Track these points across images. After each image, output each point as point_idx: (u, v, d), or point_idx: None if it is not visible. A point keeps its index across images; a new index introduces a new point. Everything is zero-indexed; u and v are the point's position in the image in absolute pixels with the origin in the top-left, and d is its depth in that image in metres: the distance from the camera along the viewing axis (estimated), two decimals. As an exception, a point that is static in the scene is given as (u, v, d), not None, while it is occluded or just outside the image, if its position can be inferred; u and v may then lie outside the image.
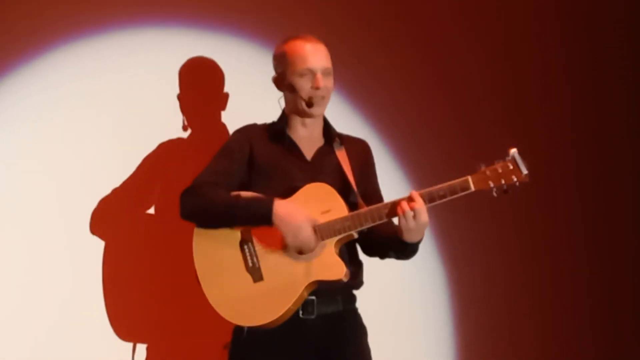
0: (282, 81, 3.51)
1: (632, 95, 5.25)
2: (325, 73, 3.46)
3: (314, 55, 3.46)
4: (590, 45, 5.21)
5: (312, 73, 3.45)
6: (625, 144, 5.26)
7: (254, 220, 3.35)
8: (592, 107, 5.22)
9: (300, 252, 3.32)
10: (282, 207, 3.32)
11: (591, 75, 5.21)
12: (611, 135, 5.25)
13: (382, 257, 3.54)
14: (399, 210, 3.30)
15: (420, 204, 3.29)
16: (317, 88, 3.45)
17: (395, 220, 3.37)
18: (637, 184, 5.26)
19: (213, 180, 3.42)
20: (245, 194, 3.39)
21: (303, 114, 3.50)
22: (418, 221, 3.30)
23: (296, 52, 3.46)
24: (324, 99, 3.48)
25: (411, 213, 3.29)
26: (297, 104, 3.49)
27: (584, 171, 5.21)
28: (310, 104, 3.46)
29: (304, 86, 3.45)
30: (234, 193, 3.39)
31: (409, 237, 3.34)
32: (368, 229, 3.37)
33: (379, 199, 3.53)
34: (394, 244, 3.41)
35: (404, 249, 3.42)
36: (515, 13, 5.09)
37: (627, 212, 5.27)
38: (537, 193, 4.88)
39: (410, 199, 3.31)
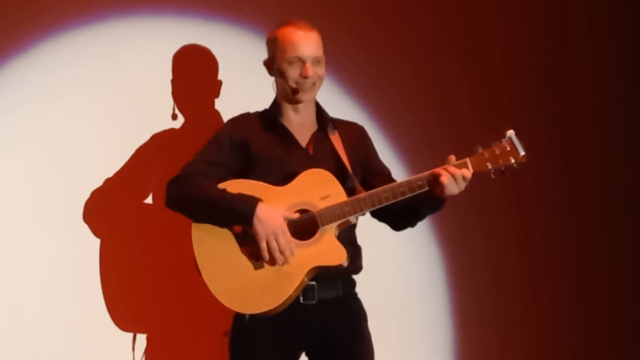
0: (272, 66, 3.51)
1: (610, 91, 5.27)
2: (315, 61, 3.45)
3: (305, 43, 3.44)
4: (566, 39, 5.23)
5: (302, 61, 3.44)
6: (605, 140, 5.28)
7: (235, 217, 3.34)
8: (571, 103, 5.24)
9: (272, 260, 3.31)
10: (263, 209, 3.31)
11: (570, 74, 5.24)
12: (591, 132, 5.28)
13: (413, 223, 3.53)
14: (445, 176, 3.27)
15: (467, 172, 3.30)
16: (306, 77, 3.44)
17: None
18: (627, 178, 5.30)
19: (200, 171, 3.41)
20: (232, 186, 3.38)
21: (291, 101, 3.50)
22: (464, 183, 3.31)
23: (287, 39, 3.45)
24: (314, 85, 3.48)
25: (461, 175, 3.29)
26: (285, 90, 3.49)
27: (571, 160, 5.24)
28: (295, 91, 3.46)
29: (292, 74, 3.45)
30: (221, 186, 3.38)
31: (447, 193, 3.33)
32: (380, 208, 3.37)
33: (387, 177, 3.53)
34: (426, 202, 3.39)
35: (440, 204, 3.40)
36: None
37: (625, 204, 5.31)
38: (527, 187, 4.92)
39: (460, 166, 3.31)
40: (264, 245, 3.30)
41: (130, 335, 4.18)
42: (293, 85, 3.45)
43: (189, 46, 4.30)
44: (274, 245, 3.30)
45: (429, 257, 4.89)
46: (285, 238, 3.30)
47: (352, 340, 3.47)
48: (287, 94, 3.49)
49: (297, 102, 3.50)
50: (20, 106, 4.25)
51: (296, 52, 3.44)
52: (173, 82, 4.25)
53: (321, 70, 3.48)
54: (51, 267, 4.22)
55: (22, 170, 4.23)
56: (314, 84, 3.47)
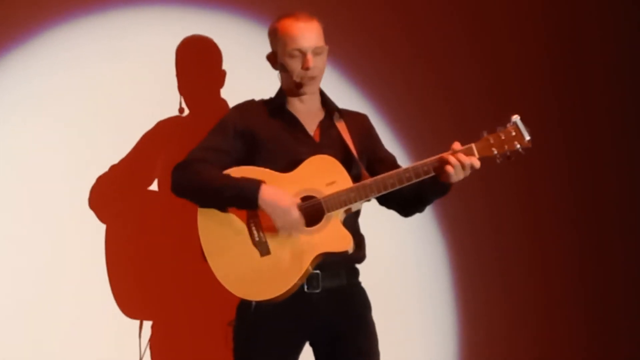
0: (275, 60, 3.51)
1: (622, 79, 5.27)
2: (316, 52, 3.45)
3: (304, 34, 3.44)
4: (578, 34, 5.23)
5: (302, 53, 3.44)
6: (617, 129, 5.27)
7: (240, 202, 3.35)
8: (583, 99, 5.23)
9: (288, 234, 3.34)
10: (267, 192, 3.33)
11: (581, 71, 5.23)
12: (603, 127, 5.27)
13: (421, 208, 3.54)
14: (451, 164, 3.28)
15: (476, 161, 3.31)
16: (307, 69, 3.44)
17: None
18: (631, 177, 5.29)
19: (205, 157, 3.42)
20: (237, 173, 3.39)
21: (295, 94, 3.51)
22: (470, 169, 3.32)
23: (286, 32, 3.45)
24: (315, 78, 3.48)
25: (469, 163, 3.30)
26: (289, 84, 3.50)
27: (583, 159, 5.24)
28: (300, 85, 3.47)
29: (294, 67, 3.45)
30: (225, 172, 3.40)
31: (453, 180, 3.34)
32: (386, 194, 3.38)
33: (392, 163, 3.54)
34: (432, 188, 3.40)
35: (446, 189, 3.41)
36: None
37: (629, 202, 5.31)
38: (535, 183, 4.91)
39: (466, 151, 3.32)
40: (279, 223, 3.31)
41: (137, 322, 4.20)
42: (297, 80, 3.46)
43: (193, 37, 4.29)
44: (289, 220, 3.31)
45: (433, 247, 4.89)
46: (295, 214, 3.32)
47: (356, 329, 3.47)
48: (291, 88, 3.50)
49: (302, 94, 3.51)
50: (22, 101, 4.26)
51: (296, 44, 3.43)
52: (178, 74, 4.25)
53: (321, 61, 3.48)
54: (57, 255, 4.23)
55: (25, 166, 4.24)
56: (314, 77, 3.47)
